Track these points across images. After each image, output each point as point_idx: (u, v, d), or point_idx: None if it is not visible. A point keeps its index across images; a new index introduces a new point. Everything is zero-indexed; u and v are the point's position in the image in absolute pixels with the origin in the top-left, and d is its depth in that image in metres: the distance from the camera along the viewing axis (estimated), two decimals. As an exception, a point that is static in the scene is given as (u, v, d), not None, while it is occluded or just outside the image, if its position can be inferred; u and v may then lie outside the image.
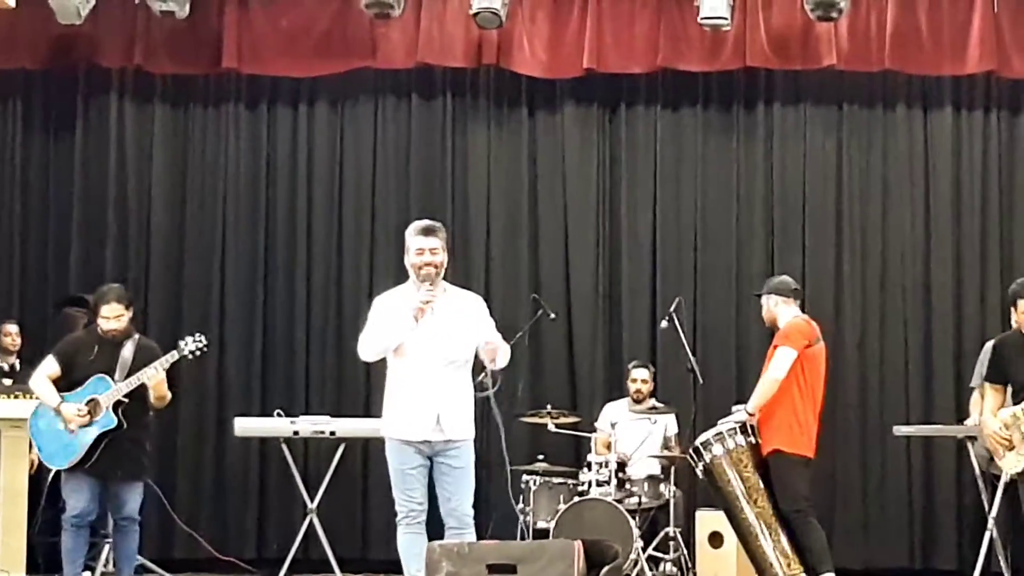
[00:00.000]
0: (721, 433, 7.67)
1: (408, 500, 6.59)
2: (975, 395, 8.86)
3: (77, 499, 7.55)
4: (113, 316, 7.61)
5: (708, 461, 7.69)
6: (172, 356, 7.51)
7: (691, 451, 7.86)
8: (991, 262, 10.03)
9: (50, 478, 8.53)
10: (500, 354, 6.60)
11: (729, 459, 7.64)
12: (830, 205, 10.18)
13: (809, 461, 7.69)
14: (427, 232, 6.62)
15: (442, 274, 6.66)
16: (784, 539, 7.55)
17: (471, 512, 6.65)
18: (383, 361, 6.75)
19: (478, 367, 6.75)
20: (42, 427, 7.61)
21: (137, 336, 7.77)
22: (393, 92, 10.39)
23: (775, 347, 7.69)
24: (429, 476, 6.63)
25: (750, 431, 7.67)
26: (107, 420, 7.46)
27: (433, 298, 6.50)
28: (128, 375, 7.52)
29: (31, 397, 8.00)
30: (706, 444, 7.70)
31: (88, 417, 7.45)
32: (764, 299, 7.97)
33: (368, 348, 6.69)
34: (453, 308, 6.64)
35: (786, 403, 7.60)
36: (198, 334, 7.66)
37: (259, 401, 10.10)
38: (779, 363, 7.60)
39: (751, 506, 7.59)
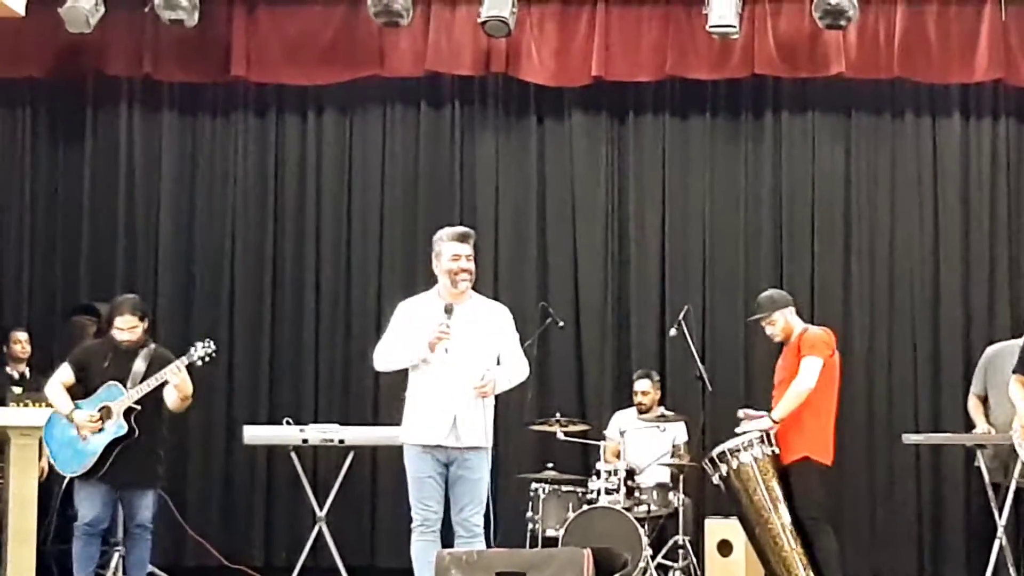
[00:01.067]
0: (750, 442, 7.69)
1: (424, 508, 6.60)
2: (974, 402, 8.88)
3: (89, 507, 7.54)
4: (127, 327, 7.61)
5: (734, 469, 7.69)
6: (182, 362, 7.49)
7: (708, 460, 7.86)
8: (1000, 269, 10.01)
9: (64, 486, 8.53)
10: (497, 387, 6.62)
11: (756, 468, 7.66)
12: (838, 213, 10.17)
13: (828, 470, 7.77)
14: (463, 238, 6.68)
15: (472, 281, 6.70)
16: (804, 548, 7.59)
17: (481, 523, 6.65)
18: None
19: None
20: (56, 434, 7.60)
21: (153, 346, 7.76)
22: (401, 100, 10.40)
23: (801, 357, 7.71)
24: (445, 484, 6.63)
25: (772, 440, 7.70)
26: (119, 427, 7.45)
27: (448, 335, 6.51)
28: (140, 384, 7.52)
29: (41, 405, 8.02)
30: (732, 451, 7.70)
31: (100, 424, 7.46)
32: (777, 315, 7.96)
33: (382, 362, 6.77)
34: (476, 317, 6.67)
35: (813, 411, 7.67)
36: (207, 340, 7.65)
37: (267, 409, 10.11)
38: (808, 374, 7.65)
39: (777, 515, 7.61)
